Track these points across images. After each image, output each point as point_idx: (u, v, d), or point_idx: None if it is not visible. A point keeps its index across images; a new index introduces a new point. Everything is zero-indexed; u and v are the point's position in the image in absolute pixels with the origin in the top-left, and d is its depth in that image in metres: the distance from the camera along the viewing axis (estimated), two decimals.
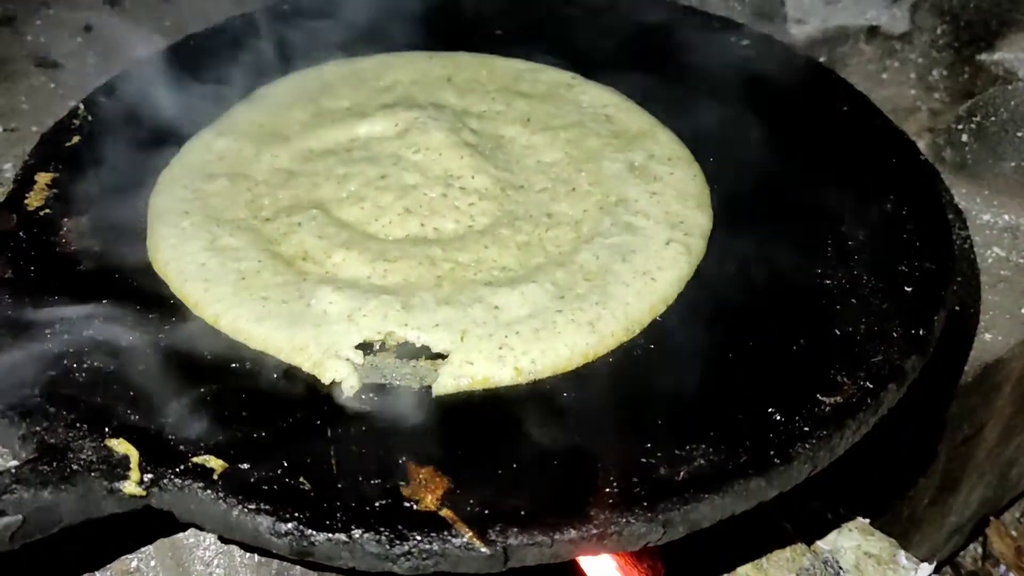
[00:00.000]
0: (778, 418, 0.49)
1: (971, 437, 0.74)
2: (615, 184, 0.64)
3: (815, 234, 0.61)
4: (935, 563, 0.61)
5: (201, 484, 0.45)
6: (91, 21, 1.01)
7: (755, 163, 0.66)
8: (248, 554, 0.52)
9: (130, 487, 0.45)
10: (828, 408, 0.49)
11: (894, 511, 0.72)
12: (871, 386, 0.50)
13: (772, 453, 0.47)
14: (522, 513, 0.44)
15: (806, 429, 0.48)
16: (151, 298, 0.57)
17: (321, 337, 0.53)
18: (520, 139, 0.69)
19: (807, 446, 0.47)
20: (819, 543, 0.63)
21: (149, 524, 0.49)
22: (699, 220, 0.62)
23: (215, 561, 0.52)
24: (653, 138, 0.68)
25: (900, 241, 0.60)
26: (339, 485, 0.46)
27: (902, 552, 0.62)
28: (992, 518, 0.89)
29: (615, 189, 0.64)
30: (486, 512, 0.44)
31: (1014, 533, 0.89)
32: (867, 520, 0.64)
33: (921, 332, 0.53)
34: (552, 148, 0.68)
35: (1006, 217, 0.78)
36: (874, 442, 0.52)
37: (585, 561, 0.53)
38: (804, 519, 0.64)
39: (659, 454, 0.47)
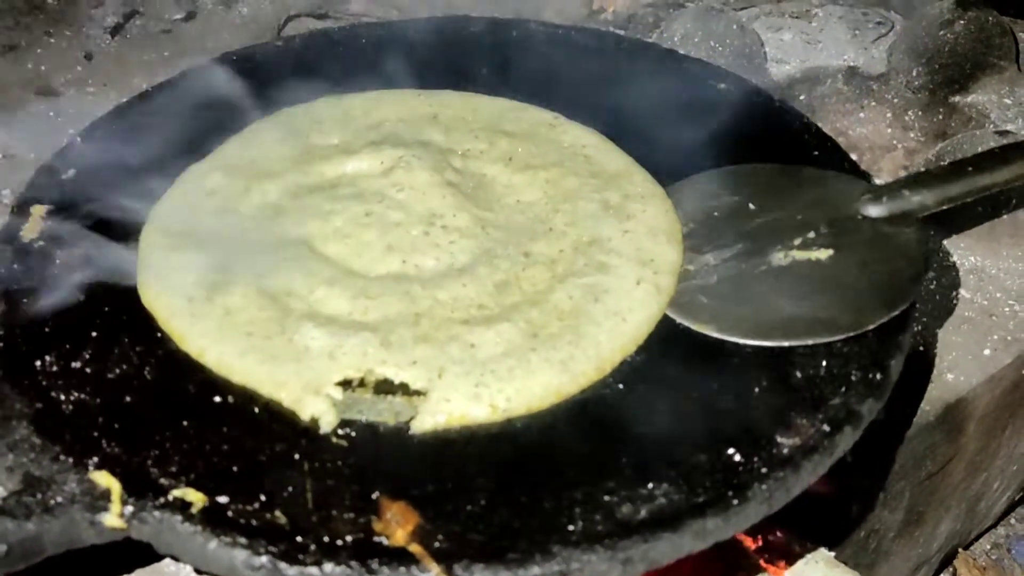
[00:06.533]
0: (737, 459, 0.51)
1: (935, 473, 0.76)
2: (590, 223, 0.66)
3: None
4: None
5: (180, 517, 0.47)
6: (92, 50, 1.04)
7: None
8: None
9: (111, 519, 0.46)
10: (786, 449, 0.51)
11: (860, 543, 0.74)
12: (828, 429, 0.52)
13: (730, 494, 0.49)
14: (489, 549, 0.46)
15: (764, 470, 0.50)
16: (138, 331, 0.59)
17: (302, 373, 0.55)
18: (501, 178, 0.72)
19: (763, 487, 0.49)
20: (786, 573, 0.65)
21: (131, 553, 0.51)
22: (669, 256, 0.64)
23: None
24: (628, 178, 0.71)
25: None
26: (313, 519, 0.48)
27: None
28: (960, 550, 0.91)
29: (590, 229, 0.66)
30: (454, 547, 0.46)
31: (983, 565, 0.91)
32: (832, 553, 0.66)
33: (878, 376, 0.55)
34: (532, 187, 0.70)
35: (972, 259, 0.81)
36: (838, 477, 0.54)
37: None
38: (772, 549, 0.65)
39: (622, 492, 0.49)
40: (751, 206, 0.66)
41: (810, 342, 0.56)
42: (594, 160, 0.73)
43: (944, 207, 0.63)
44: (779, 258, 0.61)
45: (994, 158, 0.65)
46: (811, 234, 0.62)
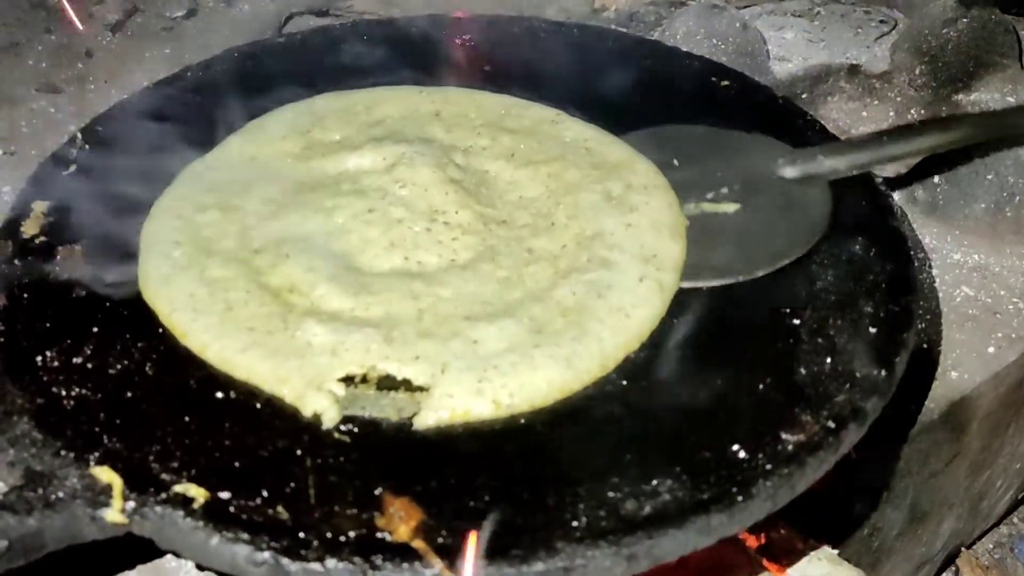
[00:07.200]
0: (742, 455, 0.51)
1: (939, 471, 0.76)
2: (592, 216, 0.66)
3: (785, 273, 0.63)
4: None
5: (181, 513, 0.46)
6: (93, 47, 1.04)
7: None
8: None
9: (112, 515, 0.46)
10: (791, 446, 0.51)
11: (863, 542, 0.73)
12: (832, 425, 0.52)
13: (735, 490, 0.49)
14: (492, 545, 0.46)
15: (768, 467, 0.50)
16: (140, 327, 0.58)
17: (304, 369, 0.55)
18: (504, 174, 0.71)
19: (768, 484, 0.49)
20: (790, 571, 0.65)
21: (133, 549, 0.51)
22: (672, 252, 0.63)
23: None
24: (631, 168, 0.70)
25: (867, 283, 0.62)
26: (316, 515, 0.47)
27: None
28: (963, 549, 0.90)
29: (592, 222, 0.66)
30: (457, 543, 0.46)
31: (986, 564, 0.91)
32: (835, 551, 0.66)
33: (883, 373, 0.55)
34: (533, 182, 0.70)
35: (976, 257, 0.80)
36: (842, 474, 0.54)
37: None
38: (775, 547, 0.65)
39: (626, 489, 0.49)
40: (674, 162, 0.70)
41: (700, 285, 0.61)
42: (595, 152, 0.72)
43: (854, 172, 0.68)
44: (689, 209, 0.66)
45: (906, 131, 0.71)
46: (724, 189, 0.67)
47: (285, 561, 0.45)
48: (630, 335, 0.58)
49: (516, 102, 0.78)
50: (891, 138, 0.70)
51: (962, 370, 0.72)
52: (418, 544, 0.46)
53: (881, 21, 1.09)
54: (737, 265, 0.62)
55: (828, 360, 0.56)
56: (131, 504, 0.47)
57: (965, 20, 0.98)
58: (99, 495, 0.47)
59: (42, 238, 0.65)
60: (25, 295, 0.60)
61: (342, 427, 0.53)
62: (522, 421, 0.54)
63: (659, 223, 0.65)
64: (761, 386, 0.55)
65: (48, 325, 0.58)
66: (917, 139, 0.70)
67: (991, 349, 0.74)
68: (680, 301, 0.61)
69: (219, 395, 0.54)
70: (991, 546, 0.96)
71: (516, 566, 0.45)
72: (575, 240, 0.65)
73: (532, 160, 0.72)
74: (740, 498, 0.48)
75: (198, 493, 0.47)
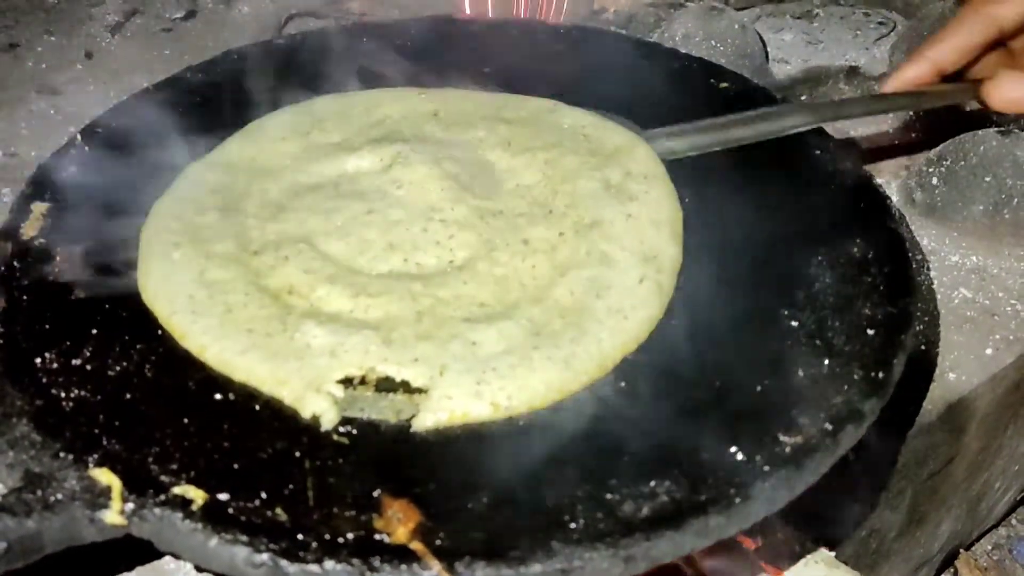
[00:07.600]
0: (740, 457, 0.51)
1: (937, 472, 0.76)
2: (591, 204, 0.66)
3: (783, 275, 0.63)
4: None
5: (180, 514, 0.47)
6: (92, 48, 1.04)
7: (726, 205, 0.68)
8: None
9: (111, 517, 0.46)
10: (788, 448, 0.51)
11: (862, 543, 0.73)
12: (830, 427, 0.52)
13: (733, 492, 0.49)
14: (490, 547, 0.46)
15: (766, 469, 0.50)
16: (139, 329, 0.58)
17: (303, 371, 0.55)
18: (501, 163, 0.71)
19: (766, 485, 0.49)
20: (786, 574, 0.65)
21: (132, 551, 0.51)
22: (671, 252, 0.64)
23: None
24: (630, 154, 0.70)
25: (865, 284, 0.62)
26: (315, 516, 0.47)
27: None
28: (962, 550, 0.91)
29: (590, 210, 0.66)
30: (456, 545, 0.46)
31: (984, 565, 0.91)
32: (832, 553, 0.66)
33: (880, 375, 0.55)
34: (530, 169, 0.70)
35: (974, 259, 0.80)
36: (840, 476, 0.54)
37: None
38: (771, 550, 0.65)
39: (624, 490, 0.49)
40: None
41: None
42: (593, 138, 0.72)
43: (692, 153, 0.73)
44: None
45: (745, 119, 0.75)
46: None
47: (284, 563, 0.45)
48: (628, 337, 0.58)
49: (515, 98, 0.78)
50: (731, 125, 0.74)
51: (960, 372, 0.72)
52: (416, 546, 0.46)
53: (880, 23, 1.09)
54: None
55: (826, 362, 0.56)
56: (130, 506, 0.47)
57: None
58: (98, 497, 0.47)
59: (41, 240, 0.65)
60: (24, 297, 0.60)
61: (341, 429, 0.53)
62: (520, 423, 0.54)
63: (659, 220, 0.65)
64: (759, 388, 0.55)
65: (47, 327, 0.58)
66: (756, 125, 0.73)
67: (989, 351, 0.74)
68: (678, 303, 0.61)
69: (218, 397, 0.54)
70: (990, 548, 0.96)
71: (514, 567, 0.45)
72: (573, 228, 0.64)
73: (529, 147, 0.71)
74: (738, 500, 0.48)
75: (197, 495, 0.48)
